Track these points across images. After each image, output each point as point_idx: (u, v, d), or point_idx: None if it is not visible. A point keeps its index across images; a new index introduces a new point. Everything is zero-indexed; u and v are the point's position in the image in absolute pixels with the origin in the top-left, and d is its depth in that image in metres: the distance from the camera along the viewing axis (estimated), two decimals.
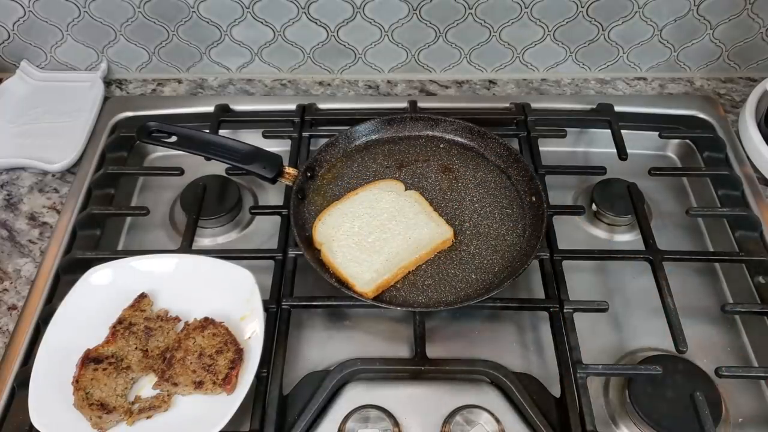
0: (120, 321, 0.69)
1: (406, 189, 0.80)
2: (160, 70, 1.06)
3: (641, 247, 0.78)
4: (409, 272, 0.73)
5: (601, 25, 0.98)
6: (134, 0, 0.95)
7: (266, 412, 0.65)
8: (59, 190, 0.90)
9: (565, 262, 0.76)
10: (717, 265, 0.83)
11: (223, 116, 0.94)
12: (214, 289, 0.71)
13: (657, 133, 0.92)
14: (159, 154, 0.96)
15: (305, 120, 0.93)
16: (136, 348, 0.67)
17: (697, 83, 1.05)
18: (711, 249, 0.85)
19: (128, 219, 0.89)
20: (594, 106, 0.96)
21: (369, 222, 0.76)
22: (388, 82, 1.06)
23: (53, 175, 0.91)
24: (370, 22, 0.98)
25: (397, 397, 0.68)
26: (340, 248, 0.73)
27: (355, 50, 1.02)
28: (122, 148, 0.94)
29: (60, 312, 0.69)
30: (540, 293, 0.75)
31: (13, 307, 0.78)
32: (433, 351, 0.70)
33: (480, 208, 0.79)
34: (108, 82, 1.05)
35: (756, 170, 0.90)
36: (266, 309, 0.70)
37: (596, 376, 0.69)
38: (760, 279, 0.78)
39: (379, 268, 0.72)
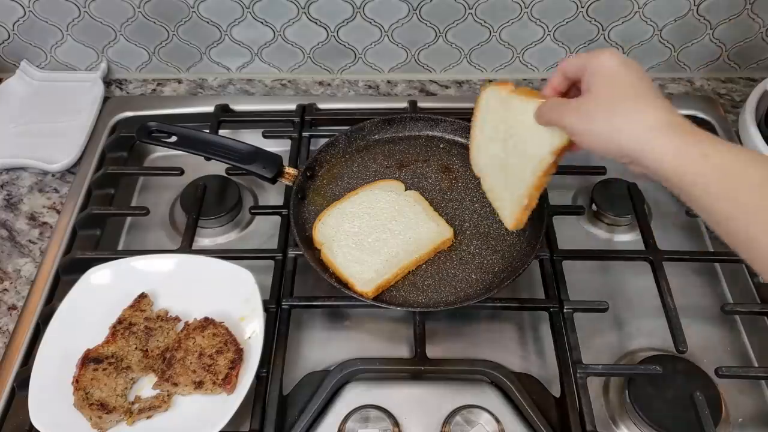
0: (120, 321, 0.69)
1: (406, 189, 0.80)
2: (160, 70, 1.06)
3: (641, 247, 0.78)
4: (409, 272, 0.73)
5: (601, 25, 0.98)
6: (134, 0, 0.95)
7: (266, 412, 0.65)
8: (59, 190, 0.90)
9: (565, 262, 0.76)
10: (717, 265, 0.83)
11: (223, 116, 0.94)
12: (214, 289, 0.71)
13: None
14: (159, 154, 0.96)
15: (305, 120, 0.93)
16: (136, 348, 0.67)
17: (697, 83, 1.05)
18: (711, 249, 0.85)
19: (128, 219, 0.89)
20: None
21: (369, 222, 0.76)
22: (388, 82, 1.06)
23: (53, 175, 0.91)
24: (370, 22, 0.98)
25: (397, 397, 0.68)
26: (340, 248, 0.73)
27: (355, 50, 1.02)
28: (122, 148, 0.94)
29: (60, 312, 0.69)
30: (540, 293, 0.75)
31: (13, 307, 0.78)
32: (433, 351, 0.70)
33: (480, 208, 0.79)
34: (108, 82, 1.05)
35: None
36: (266, 309, 0.70)
37: (596, 376, 0.69)
38: (760, 279, 0.78)
39: (379, 269, 0.72)
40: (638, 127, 0.50)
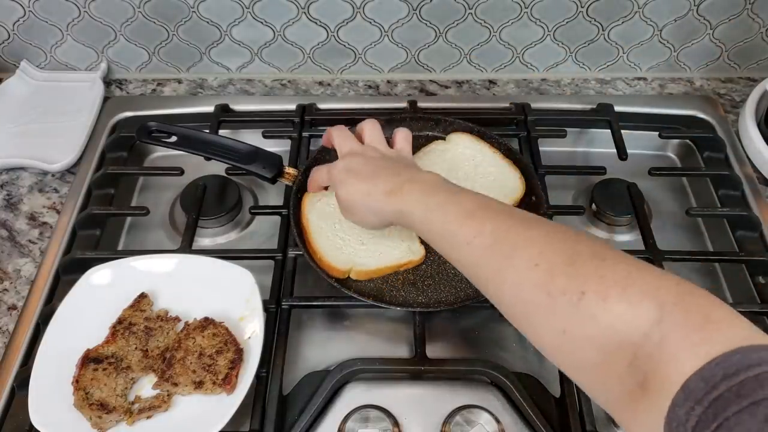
0: (120, 321, 0.69)
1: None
2: (160, 70, 1.06)
3: (641, 247, 0.78)
4: (409, 272, 0.73)
5: (601, 25, 0.98)
6: (134, 0, 0.95)
7: (266, 412, 0.65)
8: (59, 190, 0.90)
9: None
10: (717, 265, 0.83)
11: (223, 116, 0.94)
12: (214, 289, 0.71)
13: (657, 133, 0.92)
14: (159, 154, 0.96)
15: (305, 120, 0.93)
16: (136, 348, 0.67)
17: (697, 83, 1.05)
18: (711, 249, 0.85)
19: (128, 219, 0.89)
20: (594, 106, 0.96)
21: (345, 224, 0.75)
22: (388, 82, 1.06)
23: (53, 175, 0.91)
24: (370, 22, 0.98)
25: (397, 397, 0.68)
26: (366, 257, 0.72)
27: (355, 50, 1.02)
28: (122, 148, 0.94)
29: (60, 312, 0.69)
30: None
31: (13, 307, 0.78)
32: (433, 351, 0.70)
33: None
34: (108, 82, 1.05)
35: (756, 170, 0.90)
36: (266, 309, 0.70)
37: None
38: (760, 279, 0.78)
39: (399, 233, 0.74)
40: (375, 213, 0.64)
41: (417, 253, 0.74)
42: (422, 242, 0.75)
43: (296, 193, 0.79)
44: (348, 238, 0.74)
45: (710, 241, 0.86)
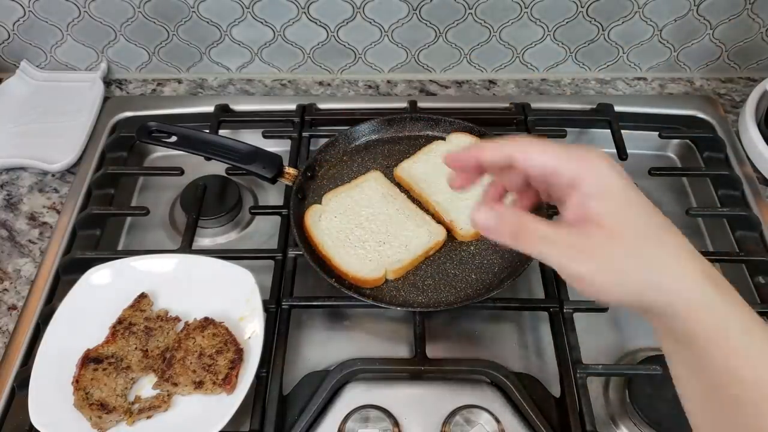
0: (120, 321, 0.69)
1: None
2: (160, 70, 1.06)
3: None
4: (409, 272, 0.73)
5: (601, 25, 0.98)
6: (134, 0, 0.95)
7: (266, 412, 0.65)
8: (59, 190, 0.90)
9: None
10: (717, 265, 0.82)
11: (223, 116, 0.94)
12: (214, 289, 0.71)
13: (657, 133, 0.92)
14: (159, 154, 0.96)
15: (305, 120, 0.93)
16: (136, 348, 0.67)
17: (697, 83, 1.05)
18: (711, 249, 0.85)
19: (128, 219, 0.89)
20: (594, 106, 0.96)
21: (368, 231, 0.76)
22: (388, 82, 1.06)
23: (53, 175, 0.91)
24: (370, 22, 0.98)
25: (397, 397, 0.68)
26: (395, 254, 0.73)
27: (355, 50, 1.02)
28: (122, 148, 0.94)
29: (60, 312, 0.69)
30: (540, 293, 0.75)
31: (13, 307, 0.78)
32: (433, 351, 0.70)
33: None
34: (108, 82, 1.05)
35: (756, 170, 0.90)
36: (266, 309, 0.70)
37: (596, 376, 0.69)
38: (760, 279, 0.78)
39: (413, 221, 0.75)
40: (680, 282, 0.41)
41: (439, 234, 0.74)
42: (438, 221, 0.76)
43: (296, 193, 0.79)
44: (366, 244, 0.74)
45: (710, 241, 0.86)
